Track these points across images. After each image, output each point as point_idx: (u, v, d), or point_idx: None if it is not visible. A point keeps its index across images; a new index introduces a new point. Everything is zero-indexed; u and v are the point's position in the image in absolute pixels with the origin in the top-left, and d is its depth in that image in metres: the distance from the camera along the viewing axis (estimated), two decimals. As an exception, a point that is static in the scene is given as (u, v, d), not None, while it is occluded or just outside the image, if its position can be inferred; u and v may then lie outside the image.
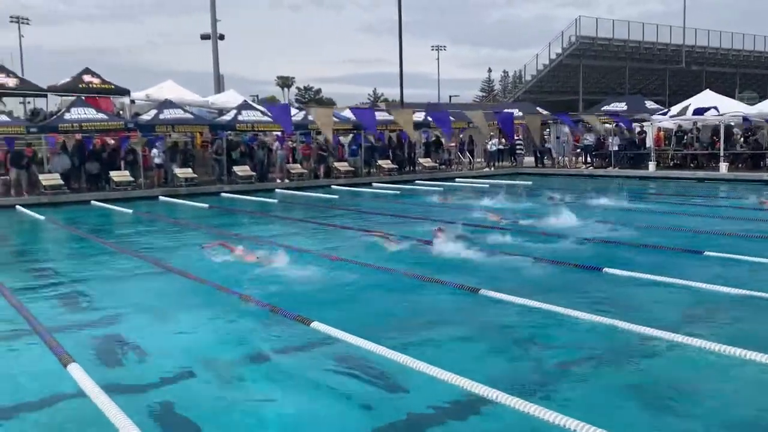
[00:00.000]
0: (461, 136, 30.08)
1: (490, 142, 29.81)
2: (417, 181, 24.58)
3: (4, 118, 20.84)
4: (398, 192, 20.85)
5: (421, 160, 28.48)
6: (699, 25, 48.84)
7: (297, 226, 13.77)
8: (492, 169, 29.29)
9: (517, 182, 23.61)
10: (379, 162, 26.79)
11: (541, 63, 45.46)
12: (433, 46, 70.74)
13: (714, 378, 5.05)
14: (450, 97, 59.24)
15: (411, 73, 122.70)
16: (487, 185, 22.00)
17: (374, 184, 23.63)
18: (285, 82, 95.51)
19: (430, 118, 27.78)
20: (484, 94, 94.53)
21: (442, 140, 29.30)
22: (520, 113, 30.69)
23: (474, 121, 28.08)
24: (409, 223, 13.38)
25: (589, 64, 44.49)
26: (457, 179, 25.77)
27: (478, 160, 30.91)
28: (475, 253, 9.52)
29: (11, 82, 24.67)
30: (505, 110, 31.01)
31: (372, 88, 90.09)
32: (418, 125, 28.00)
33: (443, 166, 29.31)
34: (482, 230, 11.73)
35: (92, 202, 19.49)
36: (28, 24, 52.40)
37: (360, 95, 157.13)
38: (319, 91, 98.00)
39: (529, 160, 30.29)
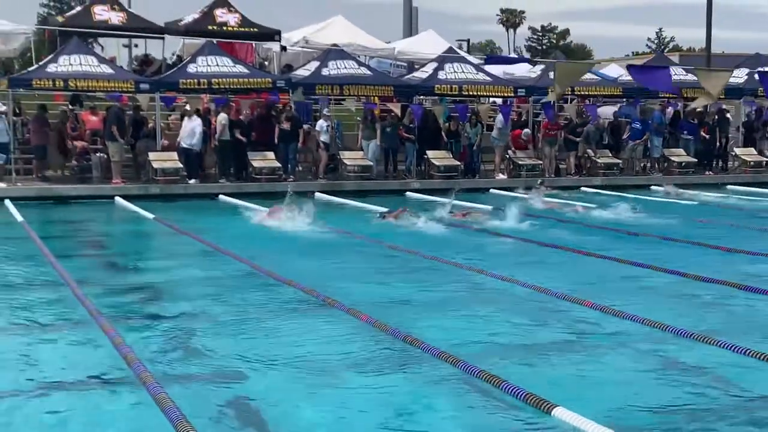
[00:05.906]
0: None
1: None
2: (728, 186, 24.00)
3: (106, 69, 22.79)
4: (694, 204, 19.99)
5: (738, 151, 27.50)
6: None
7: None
8: None
9: None
10: (666, 152, 26.18)
11: None
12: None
13: None
14: (795, 45, 55.96)
15: (723, 5, 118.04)
16: None
17: (654, 188, 23.30)
18: (512, 19, 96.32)
19: (758, 78, 26.64)
20: None
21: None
22: None
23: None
24: None
25: None
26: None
27: None
28: None
29: (116, 17, 26.75)
30: None
31: (655, 28, 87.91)
32: (734, 91, 27.20)
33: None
34: None
35: (220, 196, 21.09)
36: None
37: (633, 40, 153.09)
38: (565, 33, 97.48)
39: None
